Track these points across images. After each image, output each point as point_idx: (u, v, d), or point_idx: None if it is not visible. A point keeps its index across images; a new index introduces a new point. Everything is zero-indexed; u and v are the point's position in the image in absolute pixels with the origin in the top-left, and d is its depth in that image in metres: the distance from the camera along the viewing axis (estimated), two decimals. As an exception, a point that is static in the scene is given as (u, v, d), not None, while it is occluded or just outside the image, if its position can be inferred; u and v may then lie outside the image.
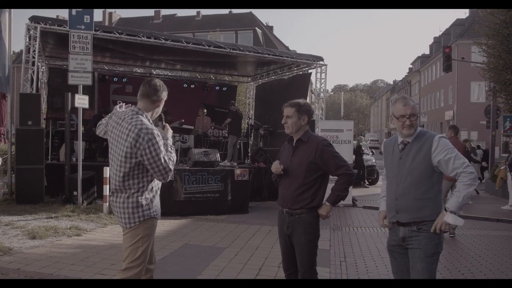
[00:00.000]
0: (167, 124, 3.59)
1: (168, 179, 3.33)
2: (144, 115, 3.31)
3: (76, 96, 9.41)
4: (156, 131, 3.24)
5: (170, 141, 3.43)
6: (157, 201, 3.42)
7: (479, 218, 10.37)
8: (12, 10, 10.37)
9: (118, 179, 3.26)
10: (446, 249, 7.03)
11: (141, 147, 3.16)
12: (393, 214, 3.38)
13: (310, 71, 14.38)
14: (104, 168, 8.66)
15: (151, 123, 3.30)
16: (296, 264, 3.67)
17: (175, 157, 3.42)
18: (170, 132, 3.50)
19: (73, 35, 9.39)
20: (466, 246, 7.50)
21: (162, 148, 3.23)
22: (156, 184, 3.40)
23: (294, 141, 3.76)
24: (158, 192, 3.45)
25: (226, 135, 14.16)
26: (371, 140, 55.36)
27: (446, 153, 3.19)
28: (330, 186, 3.64)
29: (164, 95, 3.44)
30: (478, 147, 23.27)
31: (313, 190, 3.61)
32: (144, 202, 3.28)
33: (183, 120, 13.18)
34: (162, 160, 3.21)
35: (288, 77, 15.39)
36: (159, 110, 3.47)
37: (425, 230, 3.19)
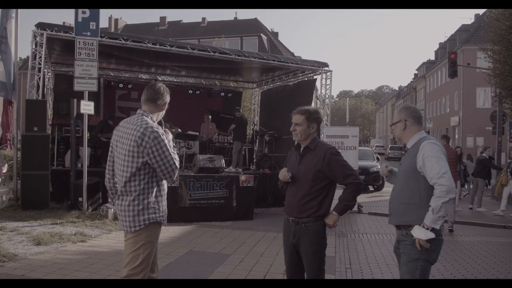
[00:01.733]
0: (166, 129, 3.59)
1: (174, 178, 3.33)
2: (149, 117, 3.34)
3: (82, 102, 9.45)
4: (161, 131, 3.26)
5: (171, 143, 3.43)
6: (164, 205, 3.39)
7: (485, 225, 10.29)
8: (18, 17, 10.45)
9: (124, 180, 3.25)
10: (451, 256, 6.99)
11: (147, 145, 3.16)
12: (389, 217, 3.50)
13: (315, 77, 14.36)
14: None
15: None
16: (300, 274, 3.63)
17: (178, 158, 3.42)
18: (170, 135, 3.50)
19: (79, 42, 9.46)
20: (472, 252, 7.43)
21: (168, 146, 3.24)
22: (164, 187, 3.40)
23: (302, 149, 3.69)
24: (165, 196, 3.43)
25: (231, 141, 14.17)
26: (376, 146, 55.25)
27: (426, 159, 3.15)
28: (338, 193, 3.62)
29: (168, 98, 3.48)
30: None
31: (320, 198, 3.54)
32: (151, 205, 3.26)
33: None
34: (169, 158, 3.22)
35: (293, 83, 15.37)
36: (163, 113, 3.50)
37: (410, 235, 3.19)
